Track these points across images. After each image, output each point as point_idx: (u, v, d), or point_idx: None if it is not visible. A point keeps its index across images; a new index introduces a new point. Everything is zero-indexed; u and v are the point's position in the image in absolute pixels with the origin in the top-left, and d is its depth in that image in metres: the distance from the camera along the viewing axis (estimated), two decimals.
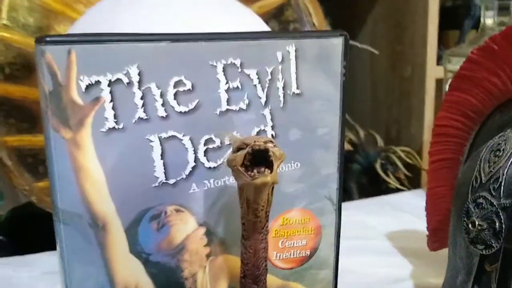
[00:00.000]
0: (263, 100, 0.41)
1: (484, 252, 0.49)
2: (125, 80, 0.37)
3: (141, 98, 0.38)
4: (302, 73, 0.42)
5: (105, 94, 0.36)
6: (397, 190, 1.09)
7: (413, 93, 1.09)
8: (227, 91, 0.40)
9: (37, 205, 0.68)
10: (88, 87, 0.36)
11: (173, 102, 0.38)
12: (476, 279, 0.51)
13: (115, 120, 0.37)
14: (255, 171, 0.34)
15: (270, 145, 0.35)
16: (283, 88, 0.42)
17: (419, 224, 0.83)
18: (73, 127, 0.36)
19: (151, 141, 0.38)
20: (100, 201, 0.38)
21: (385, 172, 1.11)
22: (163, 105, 0.38)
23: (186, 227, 0.41)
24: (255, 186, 0.35)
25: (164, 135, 0.39)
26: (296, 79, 0.42)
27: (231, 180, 0.41)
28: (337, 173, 0.45)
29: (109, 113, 0.37)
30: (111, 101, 0.37)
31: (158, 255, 0.41)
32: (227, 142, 0.40)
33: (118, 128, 0.37)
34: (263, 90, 0.41)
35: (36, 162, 0.65)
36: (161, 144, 0.39)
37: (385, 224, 0.86)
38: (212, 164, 0.41)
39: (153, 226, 0.40)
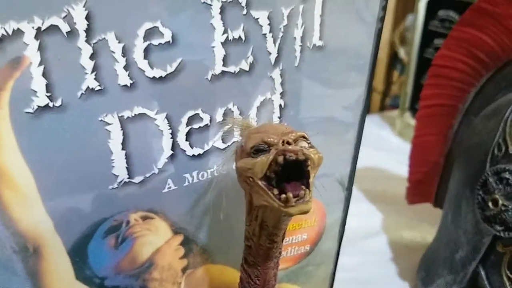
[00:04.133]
0: (273, 57, 0.28)
1: (502, 235, 0.41)
2: (65, 27, 0.22)
3: (92, 57, 0.23)
4: (328, 17, 0.29)
5: (31, 52, 0.21)
6: None
7: None
8: (224, 44, 0.26)
9: None
10: (3, 40, 0.21)
11: (142, 63, 0.24)
12: (483, 258, 0.44)
13: (49, 94, 0.22)
14: (289, 194, 0.22)
15: (304, 145, 0.23)
16: (302, 38, 0.28)
17: (383, 160, 0.75)
18: None
19: (108, 123, 0.24)
20: (29, 215, 0.24)
21: None
22: (126, 67, 0.24)
23: (156, 239, 0.29)
24: (286, 213, 0.22)
25: (127, 113, 0.25)
26: (320, 25, 0.29)
27: (220, 170, 0.29)
28: (353, 151, 0.34)
29: (39, 83, 0.22)
30: (41, 63, 0.22)
31: (116, 278, 0.28)
32: (226, 128, 0.27)
33: (54, 106, 0.23)
34: (274, 42, 0.28)
35: None
36: (122, 128, 0.25)
37: None
38: (196, 151, 0.28)
39: (110, 242, 0.27)
